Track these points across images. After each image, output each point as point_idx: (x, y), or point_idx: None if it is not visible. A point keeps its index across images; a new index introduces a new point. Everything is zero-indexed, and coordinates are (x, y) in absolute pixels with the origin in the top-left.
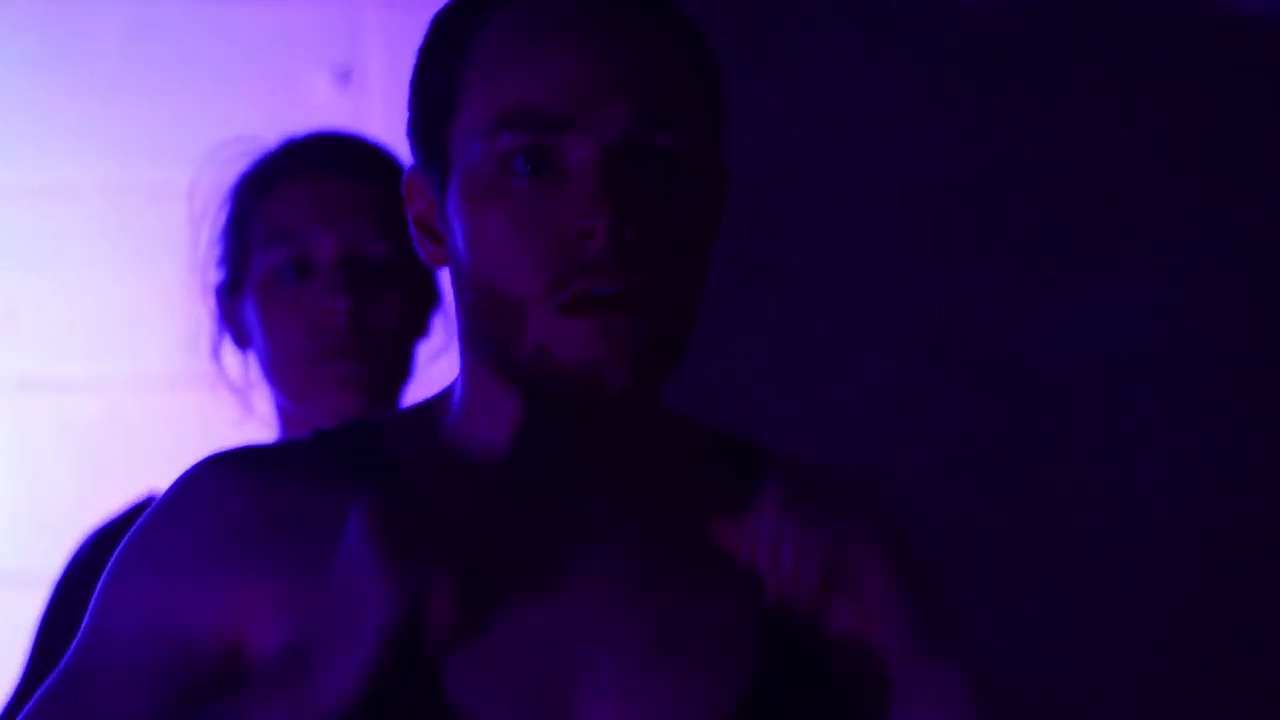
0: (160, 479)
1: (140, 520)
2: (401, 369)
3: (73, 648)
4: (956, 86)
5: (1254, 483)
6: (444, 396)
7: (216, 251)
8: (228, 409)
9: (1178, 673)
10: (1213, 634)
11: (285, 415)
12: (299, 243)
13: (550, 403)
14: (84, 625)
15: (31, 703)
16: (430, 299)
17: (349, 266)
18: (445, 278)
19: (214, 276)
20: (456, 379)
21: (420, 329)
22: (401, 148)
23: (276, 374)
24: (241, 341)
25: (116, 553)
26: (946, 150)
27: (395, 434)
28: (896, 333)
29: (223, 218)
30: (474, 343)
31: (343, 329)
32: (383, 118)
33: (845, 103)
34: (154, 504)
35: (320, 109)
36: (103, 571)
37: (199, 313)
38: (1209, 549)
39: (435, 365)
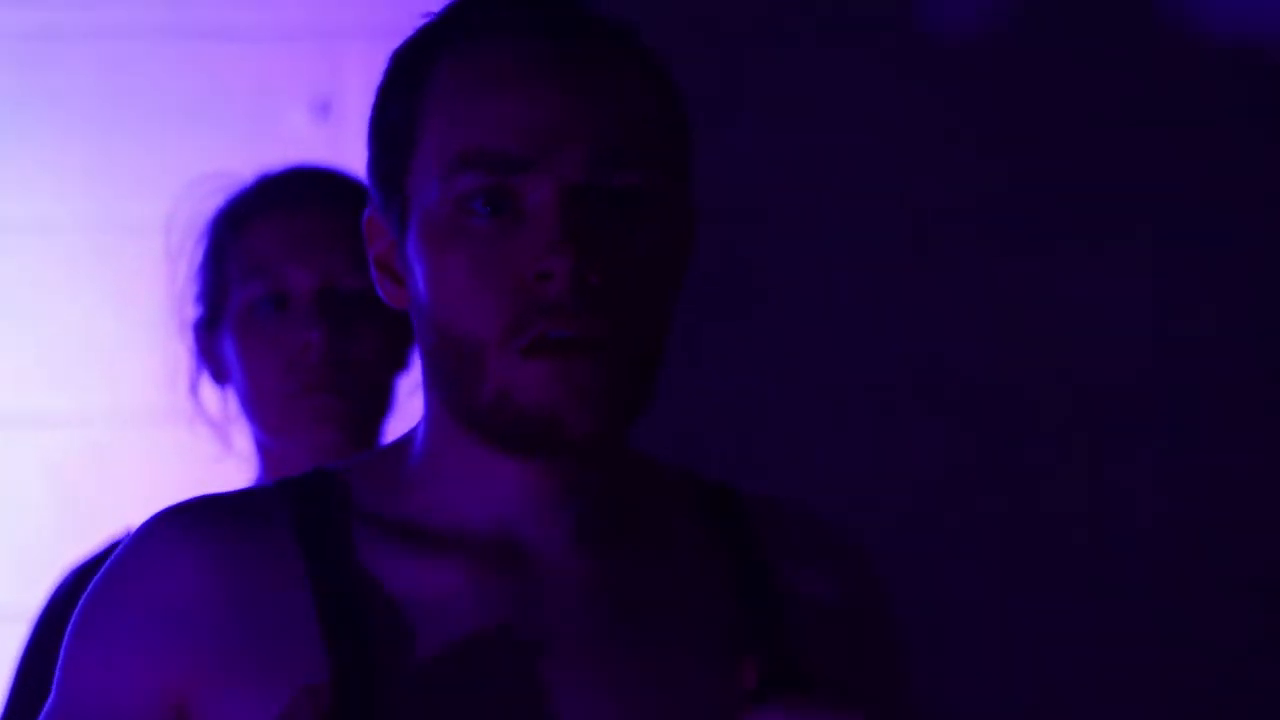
0: (139, 515)
1: (95, 581)
2: (380, 403)
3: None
4: (937, 112)
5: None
6: (408, 440)
7: (194, 287)
8: (207, 445)
9: (1177, 691)
10: (1214, 646)
11: (264, 451)
12: (276, 277)
13: (511, 448)
14: (50, 696)
15: None
16: (409, 332)
17: (324, 299)
18: None
19: (191, 312)
20: (419, 422)
21: (399, 362)
22: None
23: (255, 409)
24: (219, 377)
25: (74, 614)
26: (932, 177)
27: (361, 483)
28: (881, 364)
29: (200, 253)
30: (435, 385)
31: (319, 362)
32: (361, 151)
33: (827, 131)
34: (107, 563)
35: (299, 142)
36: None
37: (177, 348)
38: (1209, 582)
39: (417, 399)
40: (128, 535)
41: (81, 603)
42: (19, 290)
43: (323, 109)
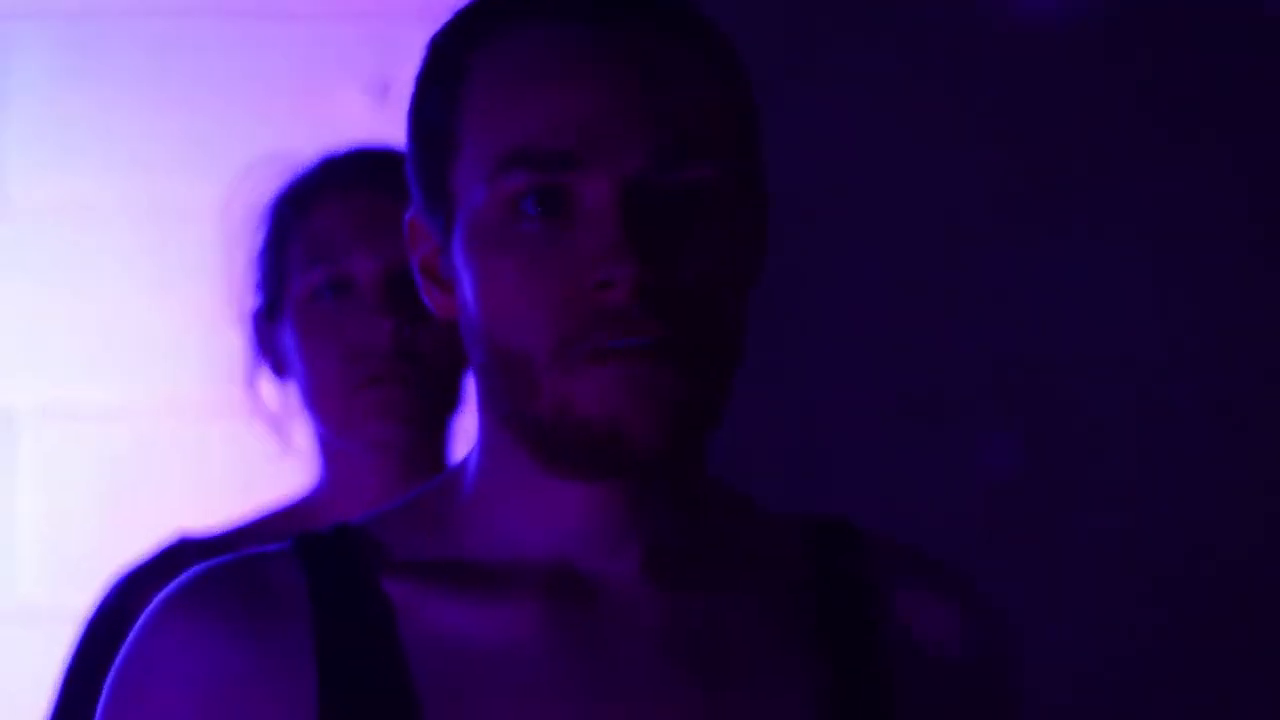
0: (191, 513)
1: (114, 670)
2: (449, 397)
3: None
4: (968, 113)
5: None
6: (458, 472)
7: (252, 274)
8: (265, 442)
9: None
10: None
11: (326, 447)
12: (339, 262)
13: (574, 466)
14: None
15: None
16: None
17: (391, 286)
18: None
19: (249, 301)
20: (472, 451)
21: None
22: None
23: (316, 403)
24: (279, 370)
25: (99, 708)
26: (983, 176)
27: (397, 529)
28: (930, 371)
29: (258, 238)
30: (490, 403)
31: (385, 353)
32: None
33: (883, 130)
34: (116, 664)
35: (356, 124)
36: (129, 619)
37: (233, 340)
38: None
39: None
40: (131, 639)
41: (104, 696)
42: (64, 278)
43: (381, 90)
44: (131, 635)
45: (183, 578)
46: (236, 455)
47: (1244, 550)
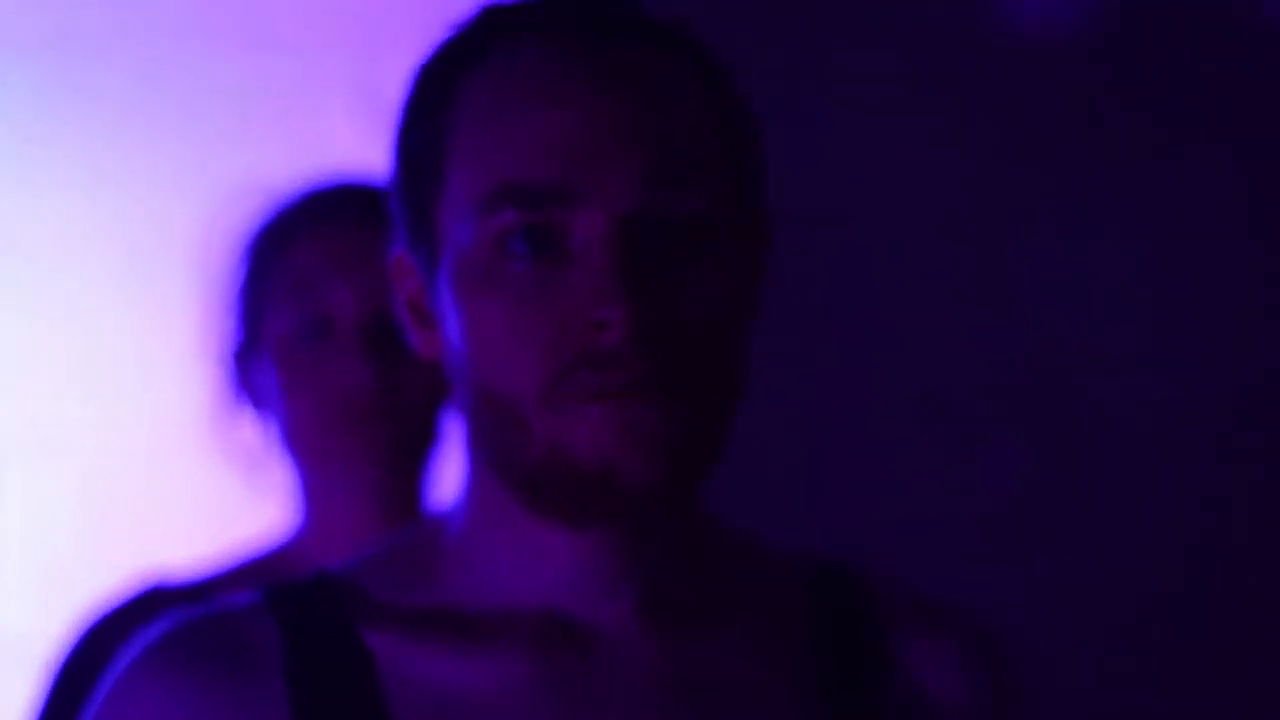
0: (179, 542)
1: None
2: (428, 436)
3: None
4: (1003, 124)
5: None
6: (443, 517)
7: (230, 309)
8: (244, 482)
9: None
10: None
11: (306, 488)
12: (318, 299)
13: (565, 511)
14: None
15: None
16: None
17: (372, 326)
18: None
19: (227, 337)
20: (458, 494)
21: (449, 392)
22: None
23: (295, 443)
24: (258, 407)
25: None
26: (989, 188)
27: (380, 577)
28: (945, 384)
29: (237, 272)
30: (478, 446)
31: (365, 395)
32: None
33: (888, 135)
34: (93, 708)
35: (344, 152)
36: (98, 668)
37: (211, 377)
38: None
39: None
40: (101, 695)
41: None
42: (50, 305)
43: (372, 119)
44: (100, 695)
45: (151, 634)
46: (222, 485)
47: (1255, 554)
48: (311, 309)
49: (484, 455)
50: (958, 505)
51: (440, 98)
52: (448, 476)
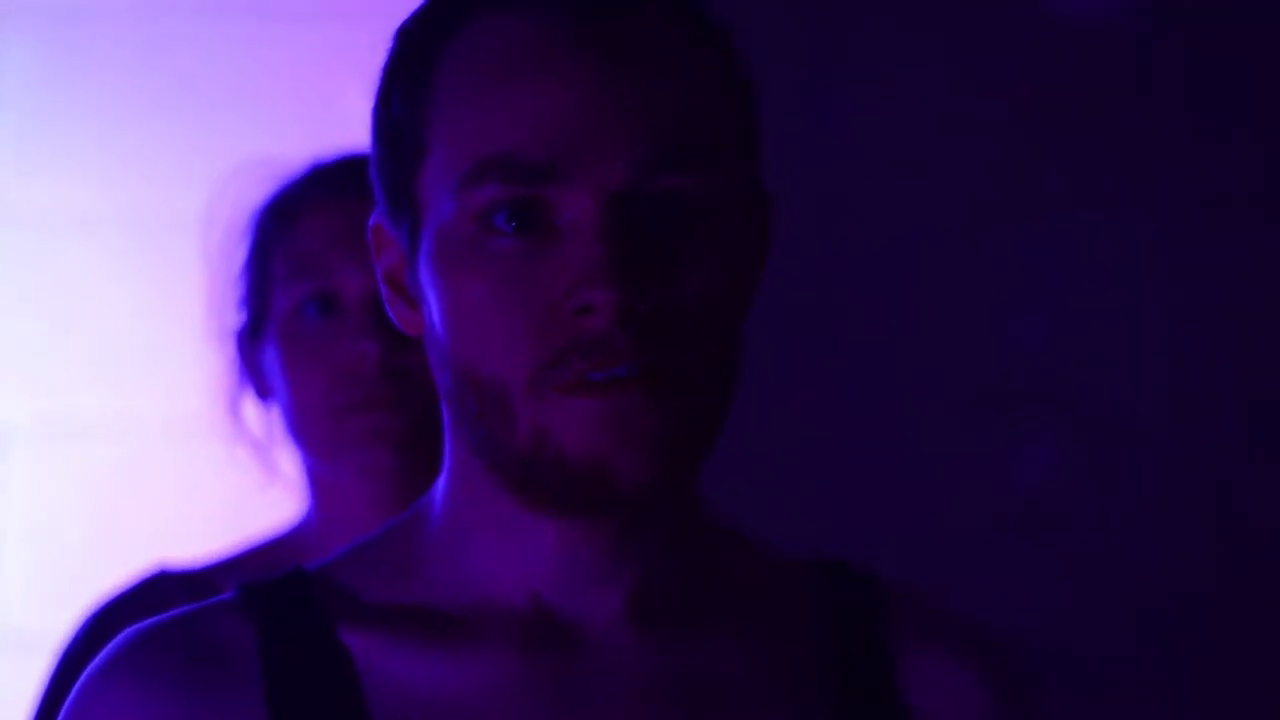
0: (188, 531)
1: None
2: (439, 420)
3: None
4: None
5: None
6: (423, 508)
7: (235, 290)
8: (249, 470)
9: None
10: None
11: (313, 476)
12: (324, 276)
13: (551, 503)
14: None
15: None
16: None
17: (379, 304)
18: None
19: (232, 319)
20: (439, 483)
21: None
22: None
23: (301, 428)
24: (263, 392)
25: None
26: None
27: (358, 573)
28: (959, 377)
29: (241, 251)
30: (459, 431)
31: (374, 376)
32: None
33: (908, 127)
34: (65, 709)
35: (354, 129)
36: None
37: (216, 361)
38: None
39: None
40: (70, 702)
41: None
42: (55, 291)
43: None
44: (68, 702)
45: (120, 639)
46: (232, 473)
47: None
48: (317, 287)
49: (466, 441)
50: (977, 502)
51: (423, 63)
52: None
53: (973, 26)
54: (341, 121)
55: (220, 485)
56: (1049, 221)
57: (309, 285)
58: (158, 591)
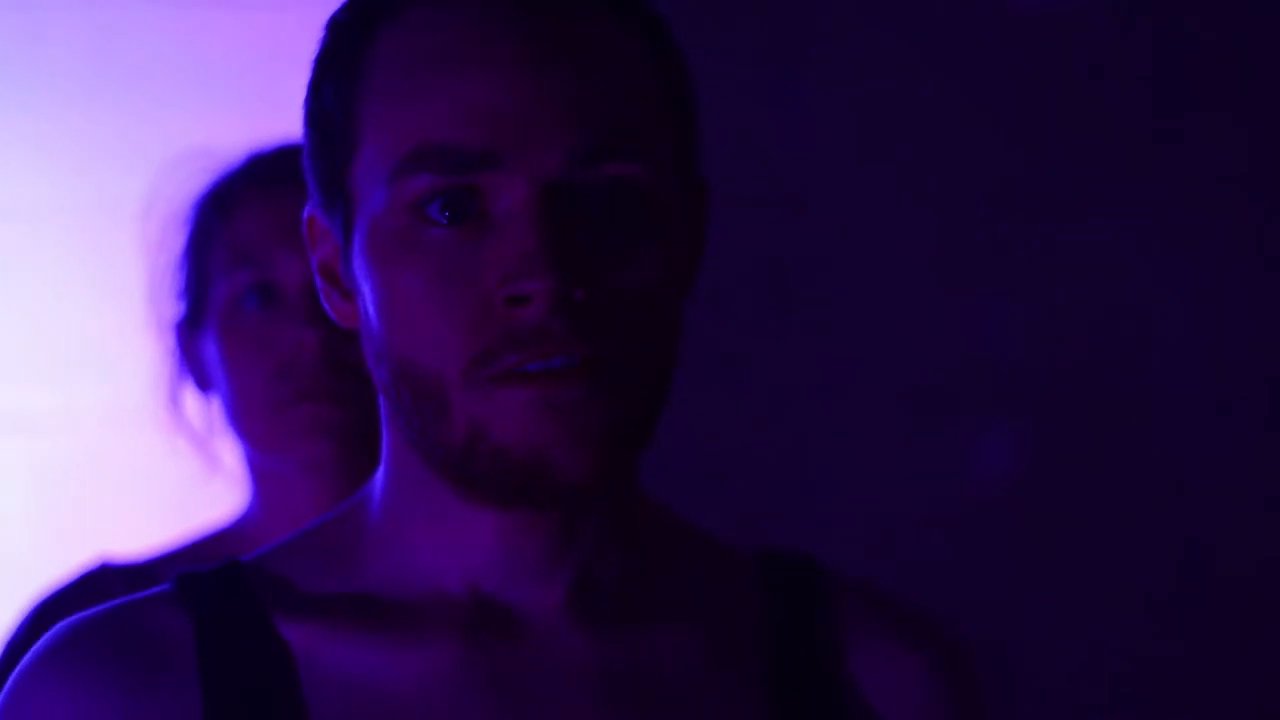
0: (134, 527)
1: None
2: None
3: None
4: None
5: None
6: (362, 499)
7: (174, 280)
8: (191, 462)
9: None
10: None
11: (254, 467)
12: (264, 266)
13: (488, 496)
14: None
15: None
16: None
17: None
18: None
19: (171, 309)
20: (378, 474)
21: None
22: None
23: (241, 420)
24: (203, 384)
25: None
26: (984, 163)
27: (296, 563)
28: (933, 365)
29: (181, 241)
30: (396, 423)
31: (314, 367)
32: None
33: (883, 118)
34: None
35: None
36: None
37: (156, 351)
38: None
39: None
40: (13, 677)
41: None
42: (1, 280)
43: None
44: (2, 696)
45: (53, 632)
46: (182, 465)
47: (1256, 551)
48: (256, 276)
49: (403, 433)
50: (948, 496)
51: (355, 51)
52: None
53: (935, 15)
54: (281, 110)
55: (165, 478)
56: (1011, 213)
57: (248, 276)
58: (98, 585)
